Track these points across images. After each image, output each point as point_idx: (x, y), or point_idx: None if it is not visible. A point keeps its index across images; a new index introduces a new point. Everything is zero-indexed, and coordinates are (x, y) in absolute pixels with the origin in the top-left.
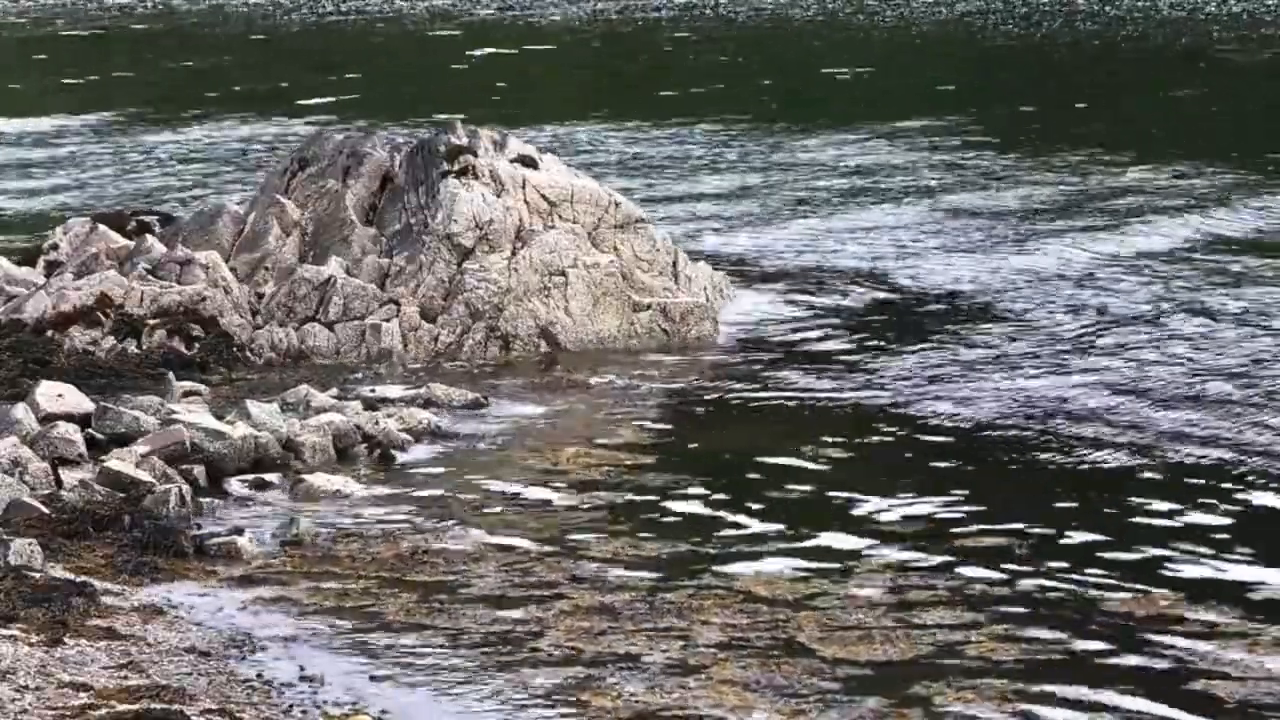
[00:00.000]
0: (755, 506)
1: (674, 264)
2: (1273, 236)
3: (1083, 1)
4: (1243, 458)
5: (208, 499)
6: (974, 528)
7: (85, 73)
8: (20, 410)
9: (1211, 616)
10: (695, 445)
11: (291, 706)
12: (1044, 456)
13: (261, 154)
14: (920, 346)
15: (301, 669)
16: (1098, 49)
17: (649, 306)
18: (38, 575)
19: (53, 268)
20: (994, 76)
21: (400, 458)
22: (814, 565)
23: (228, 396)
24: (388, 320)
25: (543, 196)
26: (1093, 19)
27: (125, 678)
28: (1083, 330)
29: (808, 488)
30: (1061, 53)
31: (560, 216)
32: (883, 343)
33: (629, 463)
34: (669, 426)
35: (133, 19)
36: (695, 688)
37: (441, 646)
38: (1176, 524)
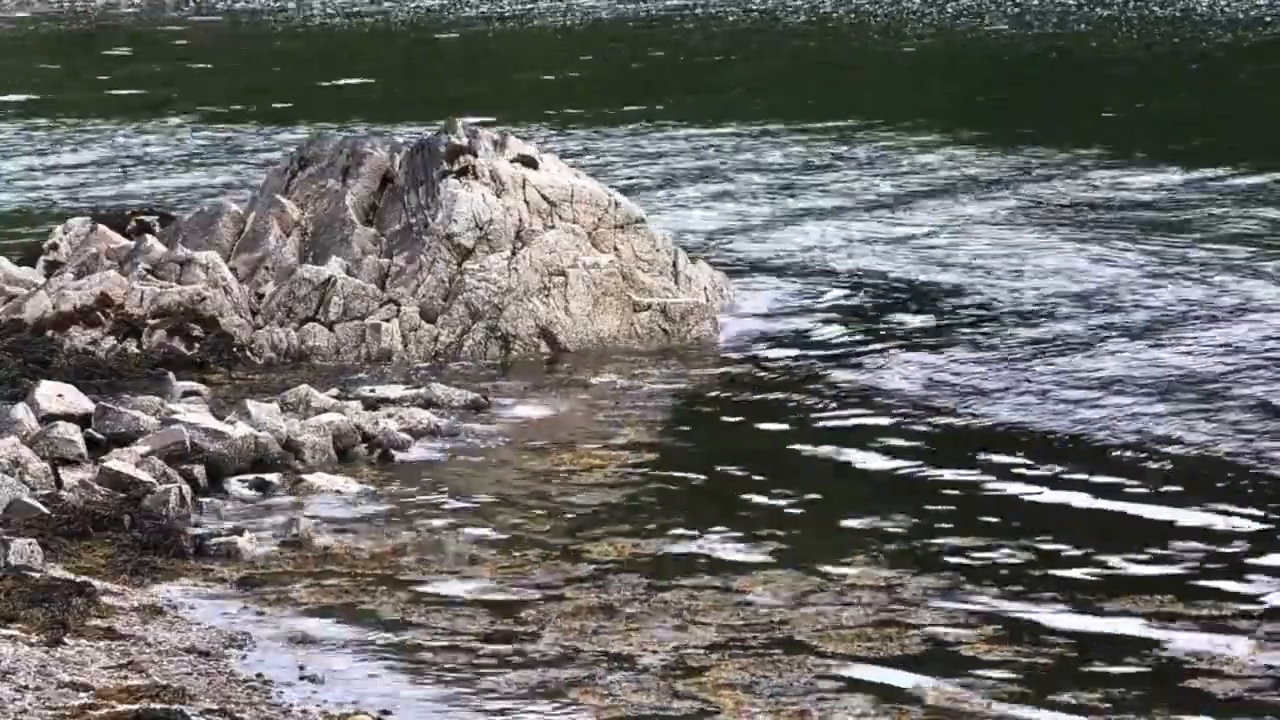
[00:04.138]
0: (753, 506)
1: (674, 264)
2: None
3: (1074, 2)
4: (1248, 458)
5: (208, 499)
6: (971, 527)
7: (85, 73)
8: (20, 410)
9: (1209, 616)
10: (695, 445)
11: (291, 706)
12: (1045, 456)
13: (261, 155)
14: (920, 346)
15: (301, 669)
16: (1092, 49)
17: (649, 306)
18: (38, 575)
19: (53, 268)
20: (990, 78)
21: (400, 458)
22: (811, 564)
23: (228, 396)
24: (388, 320)
25: (543, 196)
26: (1085, 21)
27: (125, 678)
28: (1090, 331)
29: (806, 487)
30: (1054, 54)
31: (560, 216)
32: (883, 342)
33: (628, 463)
34: (669, 426)
35: (131, 20)
36: (692, 687)
37: (441, 646)
38: (1176, 523)
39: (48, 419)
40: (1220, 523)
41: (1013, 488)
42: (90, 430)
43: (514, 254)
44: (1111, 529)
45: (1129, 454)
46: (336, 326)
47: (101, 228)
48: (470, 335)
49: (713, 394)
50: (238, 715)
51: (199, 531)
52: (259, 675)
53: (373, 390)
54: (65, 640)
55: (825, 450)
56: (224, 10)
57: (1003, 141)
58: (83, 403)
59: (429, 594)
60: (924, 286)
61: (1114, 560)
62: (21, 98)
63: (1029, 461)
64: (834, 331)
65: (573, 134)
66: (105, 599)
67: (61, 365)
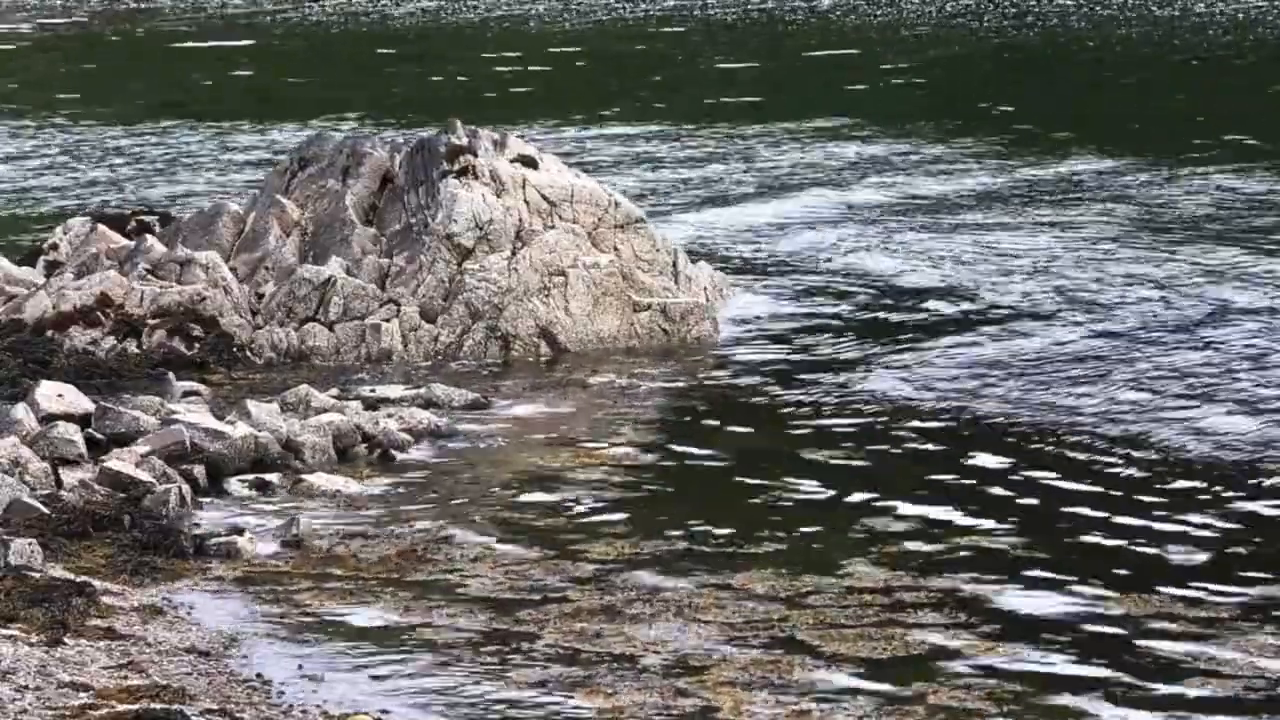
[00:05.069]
0: (753, 506)
1: (674, 264)
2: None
3: (1074, 2)
4: (1249, 457)
5: (208, 499)
6: (971, 527)
7: (83, 72)
8: (20, 410)
9: (1207, 616)
10: (695, 445)
11: (291, 706)
12: (1043, 455)
13: (259, 155)
14: (919, 345)
15: (301, 669)
16: (1092, 49)
17: (649, 306)
18: (38, 575)
19: (53, 268)
20: (990, 78)
21: (400, 458)
22: (811, 564)
23: (228, 396)
24: (388, 320)
25: (543, 196)
26: (1085, 19)
27: (125, 678)
28: (1085, 328)
29: (806, 487)
30: (1051, 52)
31: (560, 216)
32: (882, 341)
33: (629, 463)
34: (669, 426)
35: (127, 20)
36: (694, 687)
37: (441, 646)
38: (1180, 522)
39: (48, 419)
40: (1224, 521)
41: (1014, 487)
42: (90, 430)
43: (514, 254)
44: (1114, 528)
45: (1131, 451)
46: (336, 326)
47: (101, 228)
48: (470, 335)
49: (713, 394)
50: (238, 715)
51: (199, 531)
52: (259, 675)
53: (373, 390)
54: (65, 640)
55: (825, 450)
56: (220, 10)
57: (1001, 142)
58: (83, 403)
59: (429, 594)
60: (922, 286)
61: (1116, 560)
62: (16, 95)
63: (1030, 461)
64: (834, 331)
65: (569, 134)
66: (105, 599)
67: (61, 365)
